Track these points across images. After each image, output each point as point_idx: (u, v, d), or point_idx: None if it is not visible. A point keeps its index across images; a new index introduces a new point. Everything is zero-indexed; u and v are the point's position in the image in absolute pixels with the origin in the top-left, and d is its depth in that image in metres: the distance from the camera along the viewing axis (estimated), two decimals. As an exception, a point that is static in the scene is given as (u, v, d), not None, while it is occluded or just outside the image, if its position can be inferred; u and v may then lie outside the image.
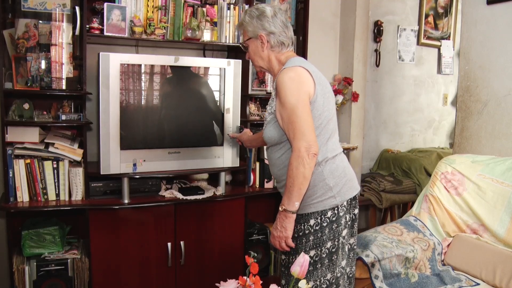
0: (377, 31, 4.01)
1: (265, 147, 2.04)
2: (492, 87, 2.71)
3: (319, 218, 1.79)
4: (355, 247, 1.98)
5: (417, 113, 4.56)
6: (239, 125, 2.79)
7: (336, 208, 1.81)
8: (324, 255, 1.81)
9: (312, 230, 1.79)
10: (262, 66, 1.91)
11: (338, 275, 1.86)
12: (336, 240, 1.82)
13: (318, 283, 1.82)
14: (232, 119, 2.80)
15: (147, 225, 2.60)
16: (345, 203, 1.84)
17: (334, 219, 1.81)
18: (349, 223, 1.89)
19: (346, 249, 1.91)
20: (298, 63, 1.78)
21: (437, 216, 2.52)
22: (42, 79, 2.42)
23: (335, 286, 1.85)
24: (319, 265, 1.81)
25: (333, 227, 1.80)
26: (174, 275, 2.69)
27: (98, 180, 2.56)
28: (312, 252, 1.79)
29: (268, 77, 3.11)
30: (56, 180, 2.48)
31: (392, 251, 2.24)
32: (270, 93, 3.10)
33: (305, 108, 1.69)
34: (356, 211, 1.93)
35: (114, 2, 2.54)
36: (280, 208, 1.74)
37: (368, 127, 4.15)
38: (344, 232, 1.86)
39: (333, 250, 1.82)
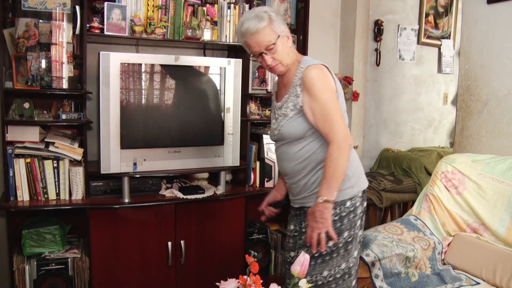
0: (378, 30, 4.00)
1: (274, 145, 2.02)
2: (493, 86, 2.71)
3: (339, 208, 1.84)
4: (361, 239, 2.01)
5: (418, 112, 4.56)
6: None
7: (353, 198, 1.87)
8: (340, 245, 1.85)
9: (331, 221, 1.80)
10: (288, 64, 1.88)
11: (351, 265, 1.90)
12: (352, 230, 1.88)
13: (332, 272, 1.86)
14: (232, 118, 2.80)
15: (147, 224, 2.60)
16: (360, 194, 1.91)
17: (352, 209, 1.87)
18: (360, 214, 1.94)
19: (358, 240, 1.95)
20: (317, 61, 1.85)
21: (437, 215, 2.52)
22: (43, 78, 2.42)
23: (347, 275, 1.90)
24: (335, 255, 1.85)
25: (351, 217, 1.87)
26: (175, 274, 2.69)
27: (98, 179, 2.56)
28: (331, 242, 1.82)
29: (269, 76, 3.10)
30: (56, 179, 2.48)
31: (393, 250, 2.24)
32: (271, 92, 3.10)
33: (337, 102, 1.79)
34: (365, 204, 1.98)
35: (115, 1, 2.54)
36: (319, 200, 1.76)
37: (369, 126, 4.15)
38: (359, 223, 1.92)
39: (349, 240, 1.87)
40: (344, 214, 1.85)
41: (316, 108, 1.77)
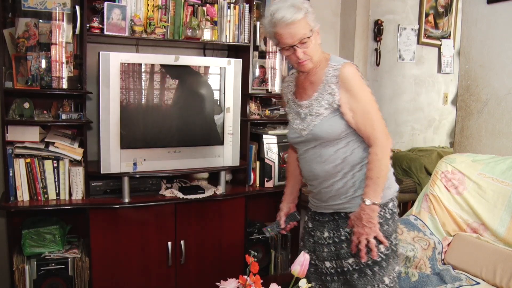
0: (378, 30, 4.00)
1: (299, 147, 1.86)
2: (493, 86, 2.71)
3: (383, 210, 1.77)
4: None
5: (418, 112, 4.56)
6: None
7: (393, 200, 1.82)
8: (393, 248, 1.78)
9: (378, 224, 1.73)
10: (317, 61, 1.77)
11: (400, 266, 1.87)
12: (397, 231, 1.83)
13: (391, 277, 1.78)
14: (232, 118, 2.80)
15: (147, 224, 2.60)
16: (395, 195, 1.85)
17: (394, 210, 1.81)
18: (398, 216, 1.87)
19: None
20: (345, 60, 1.78)
21: (437, 215, 2.52)
22: (42, 78, 2.42)
23: (397, 279, 1.83)
24: (390, 259, 1.77)
25: (394, 218, 1.81)
26: (175, 274, 2.69)
27: (98, 179, 2.56)
28: (381, 247, 1.74)
29: (269, 76, 3.10)
30: (56, 179, 2.48)
31: (393, 250, 2.24)
32: (271, 92, 3.10)
33: (374, 101, 1.74)
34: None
35: (114, 1, 2.54)
36: (365, 202, 1.68)
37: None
38: (398, 225, 1.86)
39: (396, 242, 1.81)
40: (388, 216, 1.78)
41: (357, 107, 1.70)
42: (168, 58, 2.62)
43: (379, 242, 1.72)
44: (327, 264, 1.84)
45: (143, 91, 2.62)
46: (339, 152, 1.76)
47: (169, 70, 2.66)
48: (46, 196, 2.47)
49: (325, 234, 1.85)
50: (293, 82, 1.93)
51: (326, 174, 1.79)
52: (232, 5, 2.84)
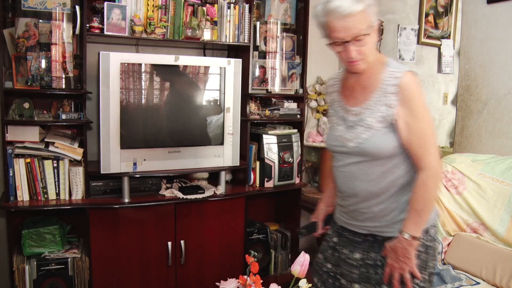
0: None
1: (339, 157, 1.68)
2: (493, 86, 2.71)
3: (424, 237, 1.59)
4: None
5: (417, 112, 4.55)
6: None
7: (435, 225, 1.65)
8: (426, 277, 1.61)
9: (416, 256, 1.56)
10: (371, 62, 1.56)
11: None
12: (435, 258, 1.66)
13: None
14: (232, 118, 2.80)
15: (147, 224, 2.60)
16: (436, 219, 1.69)
17: (434, 236, 1.64)
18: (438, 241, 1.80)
19: None
20: (405, 66, 1.58)
21: (437, 215, 2.52)
22: (42, 78, 2.42)
23: None
24: None
25: (433, 245, 1.63)
26: (174, 274, 2.69)
27: (98, 179, 2.56)
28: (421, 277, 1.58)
29: (269, 76, 3.10)
30: (56, 179, 2.48)
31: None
32: (271, 92, 3.10)
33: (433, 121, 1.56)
34: None
35: (114, 1, 2.54)
36: (404, 235, 1.51)
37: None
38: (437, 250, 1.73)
39: (433, 270, 1.65)
40: (428, 243, 1.60)
41: (415, 127, 1.50)
42: (168, 58, 2.62)
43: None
44: (357, 286, 1.67)
45: (143, 91, 2.62)
46: (388, 172, 1.58)
47: (169, 70, 2.66)
48: (46, 196, 2.47)
49: (357, 256, 1.68)
50: (339, 81, 1.73)
51: (368, 195, 1.61)
52: (232, 5, 2.84)
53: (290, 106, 3.15)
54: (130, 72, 2.54)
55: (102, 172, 2.48)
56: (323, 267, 1.79)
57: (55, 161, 2.46)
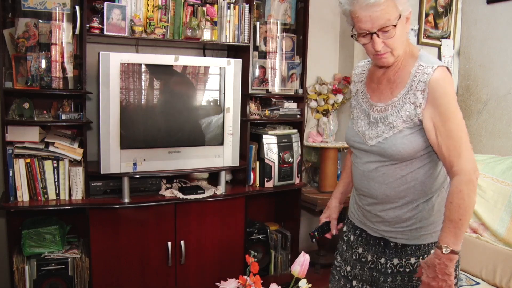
0: (377, 30, 4.00)
1: (361, 156, 1.56)
2: (492, 86, 2.71)
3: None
4: None
5: (417, 112, 4.55)
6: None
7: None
8: None
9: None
10: (400, 55, 1.44)
11: None
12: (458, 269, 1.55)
13: None
14: (232, 118, 2.80)
15: (147, 225, 2.60)
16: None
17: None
18: None
19: None
20: (438, 60, 1.45)
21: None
22: (42, 78, 2.42)
23: None
24: None
25: (459, 259, 1.47)
26: (174, 274, 2.69)
27: (98, 180, 2.56)
28: None
29: (269, 76, 3.10)
30: (56, 180, 2.48)
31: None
32: (271, 92, 3.10)
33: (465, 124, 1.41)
34: None
35: (114, 2, 2.54)
36: (443, 251, 1.34)
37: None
38: None
39: (456, 281, 1.50)
40: (459, 259, 1.46)
41: (445, 129, 1.37)
42: (168, 58, 2.62)
43: None
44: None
45: (143, 91, 2.62)
46: (408, 177, 1.47)
47: (169, 70, 2.66)
48: (46, 196, 2.47)
49: (369, 257, 1.60)
50: (366, 70, 1.62)
51: (385, 198, 1.51)
52: (232, 5, 2.84)
53: (290, 106, 3.15)
54: (130, 72, 2.54)
55: (102, 172, 2.48)
56: (342, 271, 1.70)
57: (55, 161, 2.46)
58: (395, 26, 1.35)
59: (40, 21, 2.41)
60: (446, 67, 1.40)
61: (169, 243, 2.64)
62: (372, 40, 1.38)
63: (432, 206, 1.49)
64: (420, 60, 1.42)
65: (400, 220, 1.50)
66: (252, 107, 3.05)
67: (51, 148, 2.45)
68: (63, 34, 2.45)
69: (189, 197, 2.66)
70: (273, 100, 3.19)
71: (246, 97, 2.94)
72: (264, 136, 3.00)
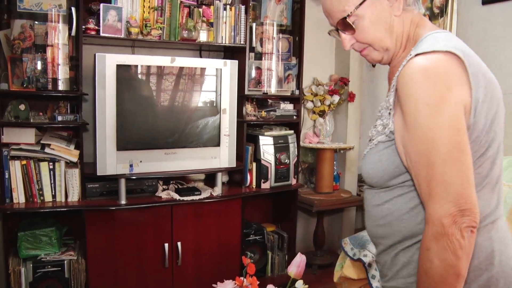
0: (373, 31, 4.01)
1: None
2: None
3: None
4: None
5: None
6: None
7: None
8: None
9: None
10: (391, 47, 1.07)
11: None
12: None
13: None
14: (228, 120, 2.80)
15: (144, 226, 2.59)
16: None
17: None
18: None
19: None
20: (444, 42, 0.97)
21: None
22: (38, 80, 2.41)
23: None
24: None
25: None
26: (171, 275, 2.69)
27: (94, 181, 2.55)
28: None
29: (265, 77, 3.10)
30: (52, 181, 2.47)
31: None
32: (267, 93, 3.10)
33: (457, 137, 0.91)
34: None
35: (110, 3, 2.54)
36: None
37: (365, 127, 4.15)
38: None
39: None
40: None
41: (410, 141, 0.96)
42: (164, 60, 2.62)
43: None
44: None
45: (139, 92, 2.62)
46: (384, 207, 1.08)
47: (165, 71, 2.66)
48: (42, 198, 2.46)
49: None
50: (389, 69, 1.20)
51: (371, 233, 1.17)
52: (228, 7, 2.85)
53: (286, 107, 3.15)
54: (126, 73, 2.53)
55: (98, 174, 2.48)
56: None
57: (51, 163, 2.46)
58: (355, 17, 1.04)
59: (36, 22, 2.40)
60: (444, 53, 0.94)
61: (166, 245, 2.64)
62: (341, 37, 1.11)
63: (410, 259, 1.06)
64: (416, 46, 1.02)
65: (390, 268, 1.11)
66: (249, 108, 3.05)
67: (47, 150, 2.45)
68: (59, 36, 2.44)
69: (185, 198, 2.66)
70: (270, 101, 3.19)
71: (242, 98, 2.94)
72: (260, 137, 3.00)
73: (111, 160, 2.49)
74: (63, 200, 2.50)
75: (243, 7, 2.87)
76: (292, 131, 3.15)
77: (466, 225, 0.90)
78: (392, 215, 1.06)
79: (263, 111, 3.07)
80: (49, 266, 2.40)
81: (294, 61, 3.18)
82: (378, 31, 1.06)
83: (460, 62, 0.93)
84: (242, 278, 1.39)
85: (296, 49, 3.18)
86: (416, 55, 0.95)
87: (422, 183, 0.95)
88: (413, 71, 0.94)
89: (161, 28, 2.67)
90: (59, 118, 2.45)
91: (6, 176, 2.39)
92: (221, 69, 2.75)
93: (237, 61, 2.80)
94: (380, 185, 1.08)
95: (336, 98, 3.48)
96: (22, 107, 2.43)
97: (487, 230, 1.01)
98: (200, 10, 2.80)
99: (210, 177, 2.98)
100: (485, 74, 0.98)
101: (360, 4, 1.03)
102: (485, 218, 1.00)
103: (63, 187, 2.50)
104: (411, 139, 0.95)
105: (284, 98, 3.19)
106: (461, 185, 0.90)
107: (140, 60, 2.61)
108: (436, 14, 4.60)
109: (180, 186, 2.85)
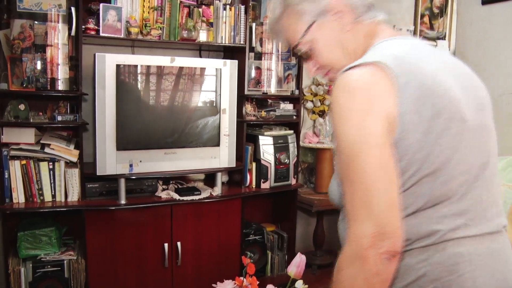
0: (373, 31, 4.01)
1: None
2: (488, 86, 2.72)
3: None
4: None
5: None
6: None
7: None
8: None
9: None
10: (343, 65, 0.95)
11: None
12: None
13: None
14: (228, 120, 2.80)
15: (143, 226, 2.59)
16: None
17: None
18: None
19: None
20: (382, 51, 0.95)
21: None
22: (38, 79, 2.41)
23: None
24: None
25: None
26: (171, 275, 2.69)
27: (94, 181, 2.55)
28: None
29: (265, 77, 3.10)
30: (52, 181, 2.47)
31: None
32: (267, 93, 3.10)
33: (378, 152, 0.86)
34: None
35: (110, 3, 2.53)
36: None
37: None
38: None
39: None
40: None
41: (337, 158, 0.94)
42: (164, 60, 2.62)
43: None
44: None
45: (139, 92, 2.62)
46: (342, 228, 1.04)
47: (165, 71, 2.66)
48: (41, 198, 2.46)
49: None
50: None
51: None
52: (227, 7, 2.85)
53: (286, 107, 3.15)
54: (126, 73, 2.53)
55: (98, 173, 2.48)
56: None
57: (50, 163, 2.45)
58: (310, 41, 1.03)
59: (36, 22, 2.40)
60: (368, 67, 0.90)
61: (166, 245, 2.64)
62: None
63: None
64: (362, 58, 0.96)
65: None
66: (248, 108, 3.05)
67: (47, 150, 2.45)
68: (58, 36, 2.44)
69: (185, 198, 2.66)
70: (269, 101, 3.19)
71: (242, 98, 2.94)
72: (260, 137, 3.00)
73: (111, 160, 2.49)
74: (63, 200, 2.50)
75: (243, 7, 2.87)
76: (292, 131, 3.15)
77: (385, 250, 0.82)
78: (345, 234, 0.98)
79: (262, 111, 3.07)
80: (49, 266, 2.40)
81: (293, 61, 3.18)
82: (332, 52, 1.04)
83: (389, 72, 0.88)
84: (242, 278, 1.39)
85: (296, 49, 3.17)
86: (347, 69, 0.92)
87: (347, 199, 0.90)
88: (335, 87, 0.92)
89: (160, 28, 2.67)
90: (59, 118, 2.45)
91: (6, 176, 2.38)
92: (220, 69, 2.75)
93: (236, 61, 2.80)
94: (338, 205, 1.04)
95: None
96: (21, 107, 2.43)
97: (424, 251, 0.91)
98: (200, 10, 2.80)
99: (209, 177, 2.98)
100: (425, 84, 0.90)
101: (306, 30, 1.02)
102: (424, 240, 0.91)
103: (63, 187, 2.50)
104: (337, 154, 0.92)
105: (283, 98, 3.19)
106: (382, 205, 0.84)
107: (140, 60, 2.61)
108: (435, 14, 4.60)
109: (179, 186, 2.85)
